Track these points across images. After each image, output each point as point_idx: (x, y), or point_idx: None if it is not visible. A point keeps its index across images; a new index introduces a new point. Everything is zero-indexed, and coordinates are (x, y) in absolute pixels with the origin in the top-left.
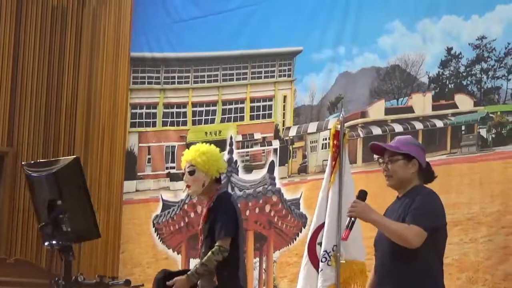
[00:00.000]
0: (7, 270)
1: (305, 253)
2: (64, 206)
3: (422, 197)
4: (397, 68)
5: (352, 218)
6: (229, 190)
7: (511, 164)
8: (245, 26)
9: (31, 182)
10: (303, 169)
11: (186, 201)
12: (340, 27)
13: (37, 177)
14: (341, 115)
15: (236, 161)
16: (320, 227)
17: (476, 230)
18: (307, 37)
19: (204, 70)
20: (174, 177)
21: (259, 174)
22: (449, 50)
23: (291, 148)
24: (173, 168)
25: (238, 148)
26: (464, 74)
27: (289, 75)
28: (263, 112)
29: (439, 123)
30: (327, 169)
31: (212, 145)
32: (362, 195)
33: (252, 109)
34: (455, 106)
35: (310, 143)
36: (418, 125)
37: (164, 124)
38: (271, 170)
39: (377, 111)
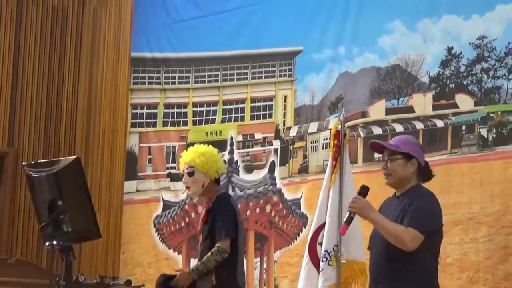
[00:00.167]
0: (7, 270)
1: (306, 253)
2: (64, 207)
3: (420, 198)
4: (397, 68)
5: (352, 214)
6: (230, 190)
7: (511, 164)
8: (246, 26)
9: (32, 183)
10: (303, 169)
11: (187, 201)
12: (340, 27)
13: (38, 177)
14: (342, 115)
15: (236, 161)
16: (321, 227)
17: (476, 230)
18: (308, 37)
19: (204, 70)
20: (174, 177)
21: (259, 174)
22: (449, 49)
23: (291, 148)
24: (174, 168)
25: (238, 148)
26: (465, 74)
27: (289, 75)
28: (263, 112)
29: (439, 123)
30: (328, 169)
31: (210, 145)
32: (364, 191)
33: (252, 109)
34: (455, 106)
35: (311, 143)
36: (419, 125)
37: (165, 124)
38: (271, 170)
39: (377, 111)
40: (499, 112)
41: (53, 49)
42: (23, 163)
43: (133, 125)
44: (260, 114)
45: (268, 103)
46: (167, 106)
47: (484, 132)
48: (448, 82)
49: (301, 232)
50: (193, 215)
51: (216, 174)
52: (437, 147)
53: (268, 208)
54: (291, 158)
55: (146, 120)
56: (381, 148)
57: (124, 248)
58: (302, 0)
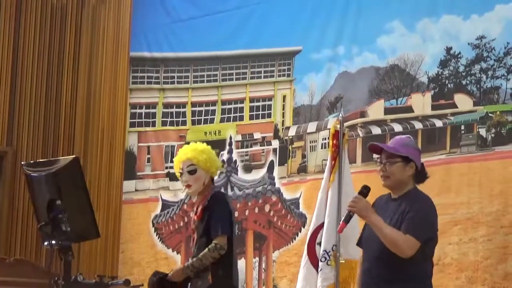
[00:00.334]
0: (6, 270)
1: (305, 252)
2: (63, 206)
3: (419, 205)
4: (396, 68)
5: (351, 213)
6: (229, 190)
7: (510, 163)
8: (245, 26)
9: (31, 182)
10: (302, 169)
11: (186, 201)
12: (339, 27)
13: (37, 176)
14: (341, 114)
15: (235, 160)
16: (320, 227)
17: (475, 229)
18: (307, 37)
19: (203, 70)
20: (173, 177)
21: (258, 174)
22: (448, 49)
23: (290, 148)
24: (173, 168)
25: (237, 148)
26: (464, 73)
27: (288, 75)
28: (262, 112)
29: (438, 123)
30: (327, 169)
31: (204, 143)
32: (366, 191)
33: (251, 108)
34: (454, 105)
35: (310, 142)
36: (418, 125)
37: (164, 124)
38: (270, 169)
39: (376, 110)
40: (498, 112)
41: (52, 49)
42: (22, 163)
43: (132, 124)
44: (259, 114)
45: (267, 102)
46: (166, 105)
47: (483, 132)
48: (447, 82)
49: (300, 232)
50: (192, 214)
51: (216, 172)
52: (436, 147)
53: (267, 207)
54: (290, 158)
55: (145, 120)
56: (378, 149)
57: (123, 248)
58: (301, 0)
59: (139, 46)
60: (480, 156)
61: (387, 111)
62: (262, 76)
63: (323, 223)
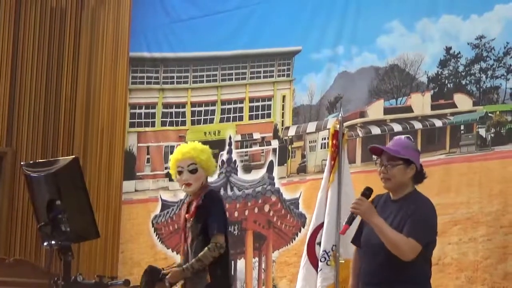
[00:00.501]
0: (6, 270)
1: (304, 252)
2: (63, 206)
3: (421, 208)
4: (396, 67)
5: (354, 214)
6: (228, 190)
7: (510, 163)
8: (244, 26)
9: (30, 182)
10: (302, 169)
11: (185, 201)
12: (339, 27)
13: (36, 177)
14: (340, 114)
15: (235, 161)
16: (319, 227)
17: (475, 229)
18: (306, 37)
19: (203, 70)
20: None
21: (258, 174)
22: (448, 49)
23: (290, 148)
24: None
25: (237, 148)
26: (463, 73)
27: (288, 75)
28: (262, 112)
29: (438, 123)
30: (326, 169)
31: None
32: (368, 193)
33: (251, 109)
34: (454, 105)
35: (309, 142)
36: (417, 125)
37: (163, 124)
38: (270, 170)
39: (376, 110)
40: (498, 112)
41: (51, 50)
42: (22, 163)
43: (132, 125)
44: (259, 114)
45: (267, 103)
46: (166, 106)
47: (482, 132)
48: (446, 82)
49: (300, 232)
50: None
51: (213, 172)
52: (435, 147)
53: (266, 208)
54: (290, 158)
55: (145, 120)
56: (379, 151)
57: (123, 248)
58: (300, 0)
59: (139, 46)
60: (480, 156)
61: (386, 111)
62: (262, 76)
63: (322, 223)
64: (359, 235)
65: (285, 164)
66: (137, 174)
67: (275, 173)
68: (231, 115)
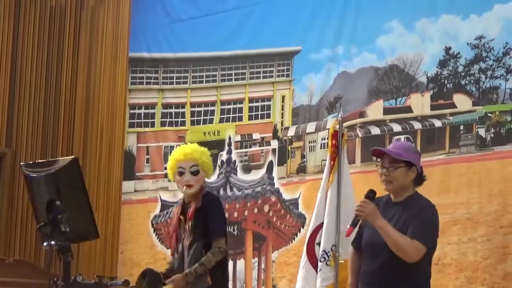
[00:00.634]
0: (6, 270)
1: (304, 253)
2: (62, 207)
3: (425, 211)
4: (395, 68)
5: (358, 217)
6: (228, 190)
7: (509, 163)
8: (244, 26)
9: (30, 183)
10: (301, 169)
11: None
12: (338, 27)
13: (36, 177)
14: (340, 115)
15: (234, 161)
16: (319, 227)
17: (474, 229)
18: (306, 37)
19: (202, 70)
20: None
21: (257, 174)
22: (447, 49)
23: (289, 148)
24: None
25: (236, 148)
26: (463, 73)
27: (287, 75)
28: (261, 112)
29: (437, 123)
30: (326, 169)
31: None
32: (372, 195)
33: (250, 109)
34: (453, 106)
35: (309, 143)
36: (417, 125)
37: (163, 124)
38: (269, 170)
39: (375, 111)
40: (497, 112)
41: (51, 49)
42: (21, 163)
43: (131, 125)
44: (258, 114)
45: (266, 103)
46: (165, 106)
47: (482, 132)
48: (446, 82)
49: (299, 232)
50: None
51: (212, 174)
52: (435, 147)
53: (266, 208)
54: (289, 158)
55: (144, 120)
56: (381, 153)
57: (122, 248)
58: (300, 0)
59: (138, 47)
60: (479, 156)
61: (386, 111)
62: (261, 77)
63: (322, 223)
64: (358, 237)
65: (285, 165)
66: (137, 174)
67: (274, 173)
68: (231, 116)
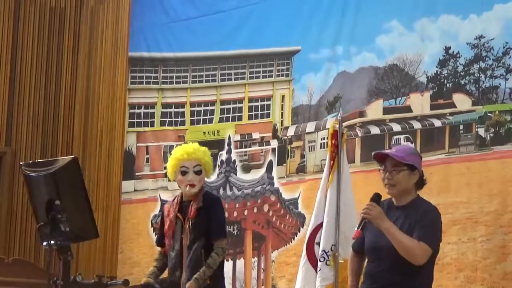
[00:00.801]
0: (5, 270)
1: (304, 252)
2: (62, 206)
3: (429, 214)
4: (395, 67)
5: (365, 220)
6: (228, 190)
7: (509, 163)
8: (243, 26)
9: (30, 182)
10: (301, 169)
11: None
12: (338, 27)
13: (35, 177)
14: (339, 114)
15: (234, 160)
16: (319, 227)
17: (474, 229)
18: (305, 37)
19: (202, 70)
20: None
21: (257, 174)
22: (447, 49)
23: (289, 148)
24: None
25: (236, 148)
26: (462, 73)
27: (287, 75)
28: (261, 112)
29: (437, 123)
30: (326, 169)
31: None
32: (377, 198)
33: (250, 108)
34: (453, 105)
35: (308, 142)
36: (416, 125)
37: (162, 124)
38: (269, 169)
39: (375, 110)
40: (497, 112)
41: (50, 49)
42: (21, 163)
43: (131, 124)
44: (258, 114)
45: (266, 102)
46: (165, 105)
47: (481, 131)
48: (445, 81)
49: (299, 231)
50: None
51: (212, 174)
52: (434, 147)
53: (265, 207)
54: (289, 158)
55: (144, 120)
56: (383, 157)
57: (122, 248)
58: (299, 0)
59: (138, 46)
60: (479, 156)
61: (386, 111)
62: (261, 76)
63: (322, 223)
64: (357, 240)
65: (284, 164)
66: (137, 174)
67: (274, 173)
68: (230, 115)
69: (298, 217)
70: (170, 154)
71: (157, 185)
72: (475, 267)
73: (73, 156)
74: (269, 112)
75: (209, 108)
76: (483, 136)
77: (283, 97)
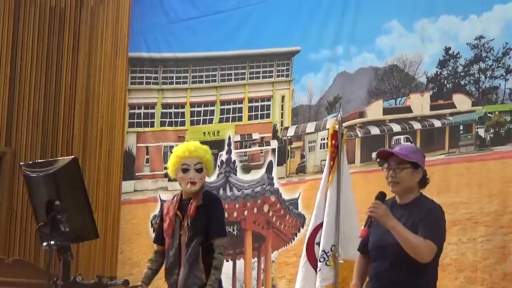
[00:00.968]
0: (5, 270)
1: (303, 253)
2: (62, 206)
3: (434, 212)
4: (395, 68)
5: (372, 218)
6: (228, 190)
7: (509, 163)
8: (243, 26)
9: (30, 183)
10: (301, 169)
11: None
12: (338, 27)
13: (35, 177)
14: (339, 115)
15: (234, 161)
16: (319, 227)
17: (474, 230)
18: (305, 37)
19: (202, 70)
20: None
21: (257, 174)
22: (447, 50)
23: (289, 148)
24: None
25: (236, 148)
26: (462, 74)
27: (287, 75)
28: (261, 112)
29: (437, 123)
30: (325, 169)
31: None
32: (382, 197)
33: (250, 109)
34: (453, 106)
35: (308, 143)
36: (416, 125)
37: (162, 124)
38: (269, 170)
39: (375, 111)
40: (497, 112)
41: (50, 50)
42: (21, 163)
43: (131, 125)
44: (258, 114)
45: (266, 103)
46: (165, 106)
47: (481, 132)
48: (445, 82)
49: (299, 232)
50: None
51: (213, 173)
52: (434, 147)
53: (265, 208)
54: (289, 158)
55: (144, 120)
56: (386, 156)
57: (122, 248)
58: (299, 0)
59: (138, 47)
60: (479, 156)
61: (385, 111)
62: (261, 77)
63: (322, 223)
64: (364, 240)
65: (284, 165)
66: (136, 174)
67: (274, 173)
68: (230, 116)
69: (298, 218)
70: (171, 153)
71: (157, 185)
72: (475, 267)
73: (73, 157)
74: (269, 113)
75: (209, 108)
76: (483, 137)
77: (283, 97)
